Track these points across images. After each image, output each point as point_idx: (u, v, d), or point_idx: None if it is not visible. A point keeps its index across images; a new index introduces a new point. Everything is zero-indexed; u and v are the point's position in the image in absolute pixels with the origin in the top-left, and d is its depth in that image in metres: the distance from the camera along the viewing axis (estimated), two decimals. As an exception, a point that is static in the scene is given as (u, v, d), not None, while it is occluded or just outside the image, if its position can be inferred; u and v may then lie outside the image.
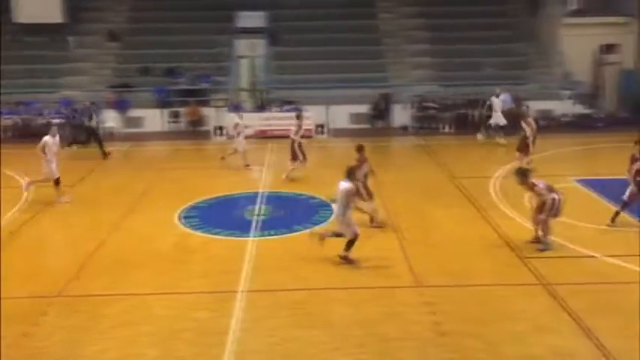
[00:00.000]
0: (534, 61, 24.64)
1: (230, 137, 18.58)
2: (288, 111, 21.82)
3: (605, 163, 15.93)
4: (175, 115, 23.19)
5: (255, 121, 21.06)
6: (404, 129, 22.39)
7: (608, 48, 23.67)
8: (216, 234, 12.11)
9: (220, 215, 13.35)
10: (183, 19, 26.04)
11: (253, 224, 12.58)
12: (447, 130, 22.20)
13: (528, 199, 11.14)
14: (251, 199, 14.33)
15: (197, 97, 23.27)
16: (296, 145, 15.84)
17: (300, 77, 24.10)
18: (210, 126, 22.41)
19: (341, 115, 22.52)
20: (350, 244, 10.39)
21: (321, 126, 21.86)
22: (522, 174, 11.12)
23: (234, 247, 11.41)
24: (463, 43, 24.91)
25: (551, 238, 10.93)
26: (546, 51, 24.76)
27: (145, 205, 14.02)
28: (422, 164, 17.22)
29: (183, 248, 11.50)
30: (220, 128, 21.42)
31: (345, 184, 10.46)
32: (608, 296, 9.17)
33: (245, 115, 19.21)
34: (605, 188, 14.17)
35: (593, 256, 10.59)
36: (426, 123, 22.14)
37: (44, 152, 13.98)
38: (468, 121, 21.98)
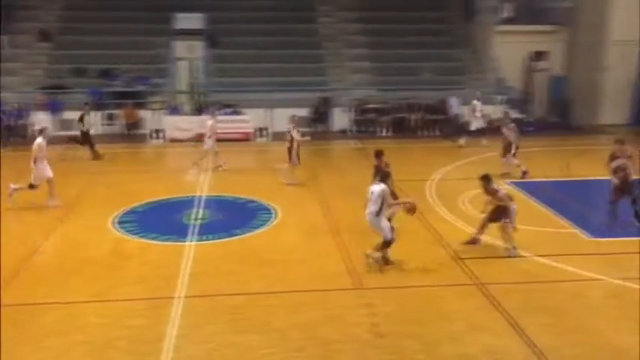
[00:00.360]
0: (470, 66, 25.33)
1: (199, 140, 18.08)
2: (228, 114, 21.65)
3: (536, 166, 16.48)
4: (110, 118, 22.62)
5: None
6: (343, 132, 22.57)
7: (538, 55, 24.59)
8: (152, 239, 11.86)
9: (157, 220, 13.08)
10: (119, 19, 25.45)
11: (191, 229, 12.40)
12: (385, 133, 22.51)
13: (485, 205, 11.35)
14: (189, 203, 14.12)
15: (134, 99, 22.77)
16: (293, 148, 15.65)
17: (240, 80, 23.96)
18: (147, 129, 21.96)
19: (282, 119, 22.47)
20: (385, 244, 10.32)
21: (263, 129, 21.78)
22: (487, 179, 11.24)
23: (172, 253, 11.20)
24: (401, 48, 25.42)
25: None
26: (481, 57, 25.50)
27: (79, 211, 13.60)
28: (361, 167, 17.29)
29: (118, 254, 11.20)
30: (157, 131, 21.02)
31: (378, 187, 10.43)
32: (538, 295, 9.49)
33: (188, 118, 18.96)
34: (537, 190, 14.69)
35: (524, 257, 10.93)
36: (365, 126, 22.39)
37: (37, 155, 13.65)
38: (405, 125, 22.36)
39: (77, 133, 19.21)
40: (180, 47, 24.79)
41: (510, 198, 11.16)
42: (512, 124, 16.74)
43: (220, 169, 17.21)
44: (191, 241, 11.71)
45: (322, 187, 15.41)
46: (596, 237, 11.82)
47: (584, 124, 22.77)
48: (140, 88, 23.31)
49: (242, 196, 14.65)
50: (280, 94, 22.95)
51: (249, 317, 8.72)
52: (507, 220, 10.91)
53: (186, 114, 22.77)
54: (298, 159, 15.75)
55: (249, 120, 21.94)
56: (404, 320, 8.69)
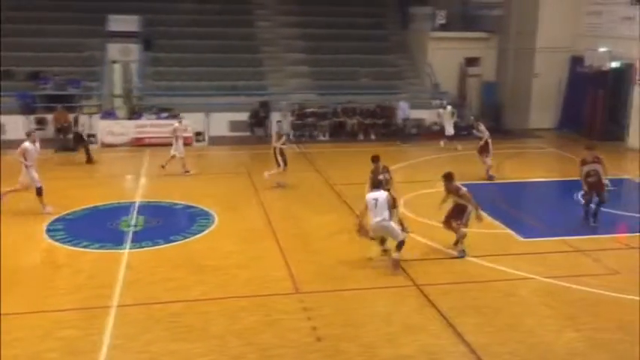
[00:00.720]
0: (406, 72, 25.81)
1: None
2: (164, 118, 21.29)
3: (470, 169, 16.89)
4: (41, 122, 21.82)
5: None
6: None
7: (472, 61, 25.31)
8: (85, 247, 11.50)
9: (92, 227, 12.69)
10: (50, 20, 24.62)
11: (127, 235, 12.10)
12: (324, 138, 22.63)
13: (442, 201, 11.57)
14: (125, 209, 13.78)
15: (66, 102, 22.06)
16: (277, 152, 15.56)
17: (177, 84, 23.61)
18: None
19: (220, 123, 22.30)
20: (401, 244, 10.37)
21: (200, 134, 21.52)
22: (449, 178, 11.40)
23: (107, 260, 10.90)
24: (340, 53, 25.68)
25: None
26: (417, 63, 26.03)
27: (8, 219, 13.03)
28: (301, 171, 17.39)
29: (50, 263, 10.84)
30: (91, 136, 20.42)
31: (381, 194, 10.41)
32: (473, 295, 9.74)
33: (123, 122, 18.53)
34: (470, 193, 15.04)
35: (460, 257, 11.19)
36: (304, 131, 22.44)
37: (24, 159, 13.15)
38: (344, 129, 22.55)
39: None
40: (115, 50, 24.18)
41: (470, 198, 11.34)
42: (482, 125, 17.33)
43: (188, 174, 16.88)
44: (127, 249, 11.43)
45: (261, 192, 15.34)
46: (527, 238, 12.23)
47: (515, 129, 23.56)
48: (72, 91, 22.61)
49: (180, 202, 14.42)
50: (218, 98, 22.76)
51: (187, 325, 8.58)
52: (459, 222, 11.16)
53: (120, 118, 22.21)
54: (285, 164, 15.64)
55: (187, 125, 21.60)
56: (342, 323, 8.74)
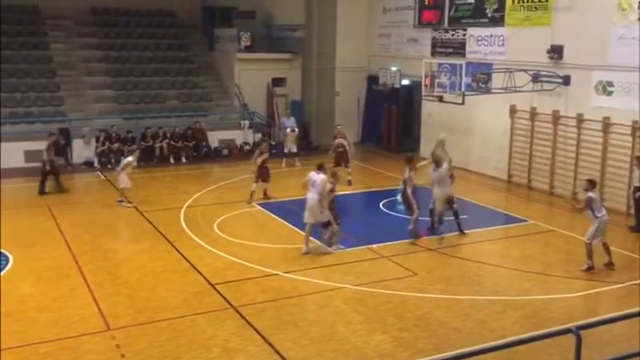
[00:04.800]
0: (215, 93, 25.81)
1: None
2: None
3: (279, 186, 17.26)
4: None
5: None
6: (89, 164, 21.26)
7: (277, 81, 26.06)
8: None
9: None
10: None
11: None
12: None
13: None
14: None
15: None
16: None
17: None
18: None
19: (13, 154, 20.42)
20: (326, 224, 12.59)
21: (-10, 166, 19.43)
22: (322, 168, 12.59)
23: None
24: (145, 76, 24.97)
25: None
26: (225, 84, 26.17)
27: None
28: (108, 200, 16.53)
29: None
30: None
31: (318, 176, 12.41)
32: (288, 310, 9.97)
33: None
34: (279, 210, 15.45)
35: (274, 274, 11.40)
36: (109, 157, 21.28)
37: None
38: (154, 153, 21.86)
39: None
40: None
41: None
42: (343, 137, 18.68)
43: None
44: None
45: (61, 225, 14.28)
46: (336, 249, 12.79)
47: (321, 144, 24.63)
48: None
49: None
50: (9, 126, 20.88)
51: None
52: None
53: None
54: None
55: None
56: (159, 356, 8.44)
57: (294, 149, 21.43)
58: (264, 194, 16.71)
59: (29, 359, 8.33)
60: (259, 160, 16.55)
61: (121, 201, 16.20)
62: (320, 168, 12.66)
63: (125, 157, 17.93)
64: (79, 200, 17.50)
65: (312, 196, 12.36)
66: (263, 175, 16.58)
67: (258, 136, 24.08)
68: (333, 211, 12.71)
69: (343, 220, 13.24)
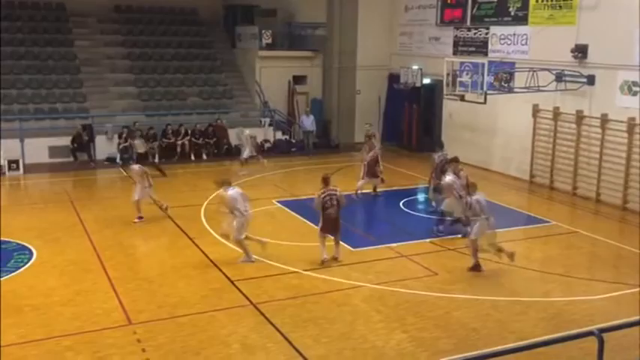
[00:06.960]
0: (236, 90, 25.91)
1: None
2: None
3: (300, 184, 17.31)
4: None
5: None
6: (111, 161, 21.48)
7: (298, 79, 26.08)
8: None
9: None
10: None
11: None
12: (153, 160, 21.85)
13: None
14: None
15: None
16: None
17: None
18: None
19: (38, 149, 20.71)
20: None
21: (15, 162, 19.73)
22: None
23: None
24: (167, 73, 25.15)
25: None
26: (246, 81, 26.26)
27: None
28: (128, 197, 16.66)
29: None
30: None
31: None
32: (308, 307, 9.98)
33: None
34: (301, 208, 15.46)
35: (295, 272, 11.42)
36: (133, 154, 21.45)
37: None
38: (175, 150, 22.00)
39: None
40: None
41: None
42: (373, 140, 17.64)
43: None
44: None
45: (85, 221, 14.46)
46: (357, 248, 12.79)
47: (341, 143, 24.60)
48: None
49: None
50: (35, 122, 21.17)
51: (5, 372, 7.84)
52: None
53: None
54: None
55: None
56: (179, 351, 8.51)
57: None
58: (374, 190, 17.05)
59: (53, 351, 8.45)
60: (368, 157, 16.71)
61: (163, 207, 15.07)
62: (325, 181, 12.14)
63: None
64: (100, 196, 17.70)
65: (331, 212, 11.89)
66: (371, 171, 16.71)
67: (279, 133, 24.16)
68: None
69: (363, 219, 13.20)
